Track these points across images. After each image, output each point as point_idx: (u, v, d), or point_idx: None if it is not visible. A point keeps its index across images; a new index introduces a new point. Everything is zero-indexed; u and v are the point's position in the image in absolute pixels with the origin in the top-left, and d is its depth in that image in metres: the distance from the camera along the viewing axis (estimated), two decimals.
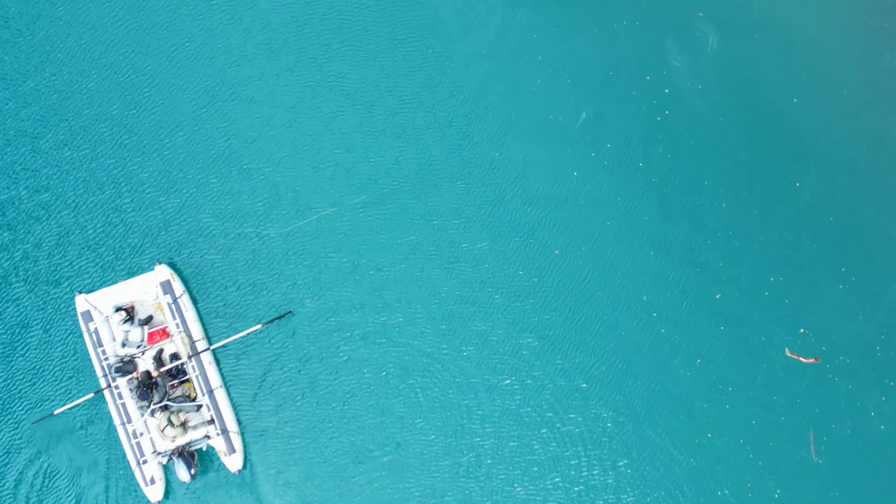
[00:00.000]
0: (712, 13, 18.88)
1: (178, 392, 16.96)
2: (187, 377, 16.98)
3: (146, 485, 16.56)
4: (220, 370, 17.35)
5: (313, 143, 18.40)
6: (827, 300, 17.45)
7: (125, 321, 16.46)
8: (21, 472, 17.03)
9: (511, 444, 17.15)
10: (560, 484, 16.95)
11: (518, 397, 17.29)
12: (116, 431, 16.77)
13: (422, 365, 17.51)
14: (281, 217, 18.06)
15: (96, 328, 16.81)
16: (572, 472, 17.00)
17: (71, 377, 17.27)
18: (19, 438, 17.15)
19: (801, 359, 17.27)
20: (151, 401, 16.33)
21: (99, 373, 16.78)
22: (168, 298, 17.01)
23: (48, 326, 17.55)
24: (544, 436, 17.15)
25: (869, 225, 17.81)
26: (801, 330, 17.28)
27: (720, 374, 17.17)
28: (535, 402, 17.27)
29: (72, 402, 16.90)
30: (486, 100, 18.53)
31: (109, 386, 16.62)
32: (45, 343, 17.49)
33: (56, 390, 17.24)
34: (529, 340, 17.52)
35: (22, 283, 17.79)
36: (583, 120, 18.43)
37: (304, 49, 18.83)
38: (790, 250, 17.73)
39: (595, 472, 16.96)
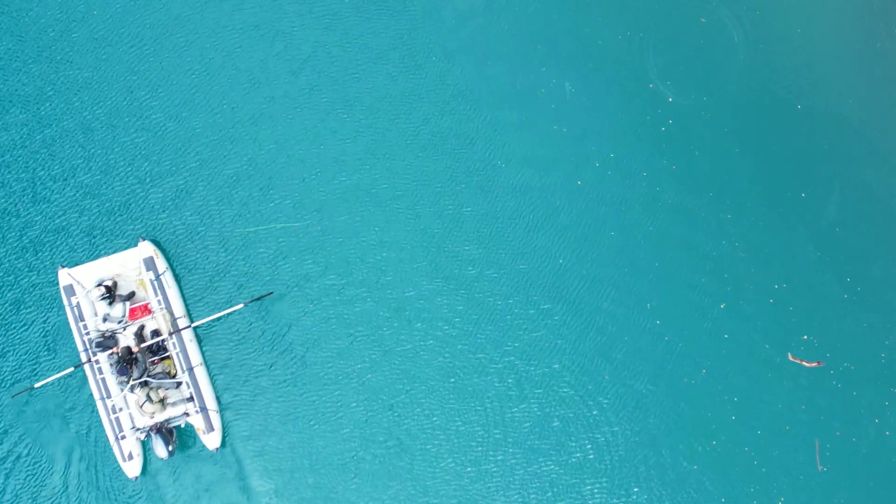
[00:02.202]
0: (714, 20, 18.87)
1: (159, 369, 16.97)
2: (168, 354, 16.98)
3: (124, 460, 16.58)
4: (200, 348, 17.37)
5: (334, 162, 18.32)
6: (831, 308, 17.47)
7: (104, 297, 16.45)
8: None
9: (519, 471, 17.04)
10: None
11: (527, 424, 17.20)
12: (96, 406, 16.80)
13: (413, 373, 17.53)
14: (303, 227, 18.07)
15: (78, 302, 16.83)
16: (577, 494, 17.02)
17: (52, 351, 17.31)
18: None
19: (803, 363, 17.24)
20: (131, 376, 16.35)
21: (80, 347, 16.79)
22: (151, 275, 17.00)
23: (30, 300, 17.60)
24: (552, 459, 17.09)
25: (873, 233, 17.82)
26: (805, 336, 17.29)
27: (725, 384, 17.15)
28: (544, 428, 17.18)
29: (52, 375, 16.91)
30: (494, 108, 18.58)
31: (90, 360, 16.63)
32: (26, 316, 17.53)
33: (36, 364, 17.28)
34: (534, 369, 17.41)
35: (5, 257, 17.83)
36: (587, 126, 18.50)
37: (324, 69, 18.74)
38: (794, 259, 17.72)
39: (598, 479, 16.97)
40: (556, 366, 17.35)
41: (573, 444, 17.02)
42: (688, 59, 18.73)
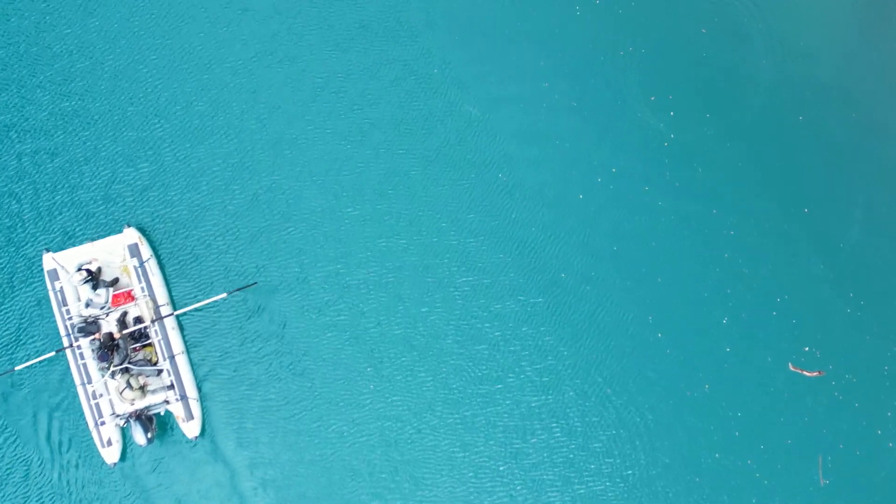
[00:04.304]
0: (715, 32, 18.84)
1: (140, 356, 16.95)
2: (150, 341, 16.97)
3: (103, 446, 16.61)
4: (182, 336, 17.36)
5: (352, 187, 18.24)
6: (833, 321, 17.45)
7: (86, 281, 16.42)
8: None
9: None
10: None
11: (533, 457, 17.14)
12: (76, 391, 16.79)
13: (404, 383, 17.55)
14: (320, 257, 17.99)
15: (62, 287, 16.83)
16: None
17: (34, 335, 17.34)
18: None
19: (804, 373, 17.21)
20: (111, 362, 16.33)
21: (62, 332, 16.80)
22: (135, 262, 16.99)
23: (14, 283, 17.60)
24: (560, 490, 17.06)
25: (879, 248, 17.80)
26: (806, 348, 17.26)
27: (728, 397, 17.14)
28: (551, 460, 17.13)
29: (33, 359, 16.91)
30: (496, 122, 18.56)
31: (72, 345, 16.62)
32: (9, 299, 17.55)
33: (18, 347, 17.30)
34: (535, 399, 17.36)
35: None
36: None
37: (341, 94, 18.66)
38: (798, 273, 17.70)
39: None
40: (570, 393, 17.30)
41: (577, 477, 17.01)
42: (689, 72, 18.66)
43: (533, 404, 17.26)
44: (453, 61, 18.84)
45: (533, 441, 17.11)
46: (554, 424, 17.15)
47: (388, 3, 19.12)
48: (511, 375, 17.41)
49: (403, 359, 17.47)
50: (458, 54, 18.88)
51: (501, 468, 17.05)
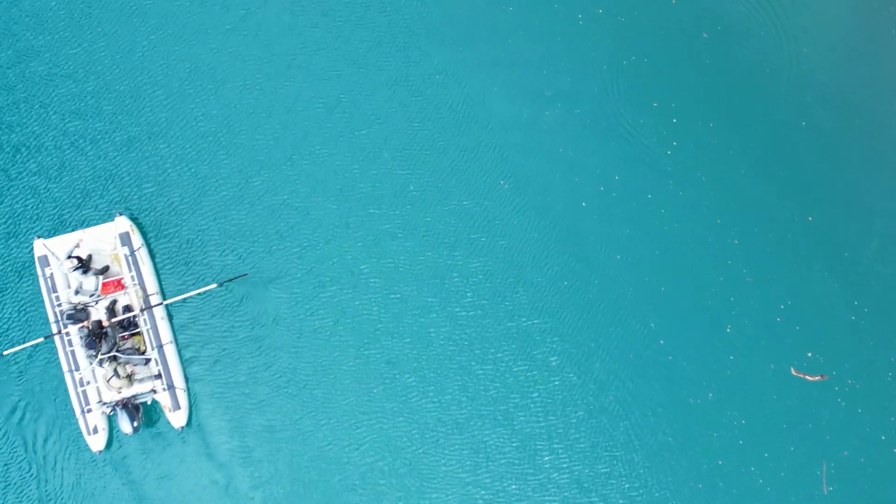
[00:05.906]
0: (717, 38, 18.78)
1: (128, 344, 16.90)
2: (138, 330, 16.92)
3: (89, 434, 16.55)
4: (171, 326, 17.28)
5: (362, 205, 18.18)
6: (837, 326, 17.27)
7: (76, 268, 16.41)
8: None
9: None
10: None
11: (539, 478, 16.92)
12: (63, 378, 16.76)
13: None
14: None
15: (52, 273, 16.83)
16: None
17: (23, 320, 17.35)
18: None
19: (806, 377, 17.07)
20: (99, 350, 16.29)
21: (51, 318, 16.78)
22: (126, 250, 16.97)
23: (3, 269, 17.66)
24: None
25: (880, 252, 17.63)
26: (809, 354, 17.08)
27: (731, 405, 16.98)
28: (556, 482, 16.90)
29: (21, 344, 16.92)
30: (502, 135, 18.50)
31: (60, 332, 16.61)
32: None
33: (6, 332, 17.31)
34: (541, 420, 17.14)
35: None
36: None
37: (354, 110, 18.64)
38: (801, 281, 17.53)
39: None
40: (579, 413, 17.08)
41: (583, 497, 16.78)
42: (692, 79, 18.51)
43: (539, 424, 17.07)
44: (460, 74, 18.79)
45: (539, 462, 16.90)
46: (559, 446, 16.96)
47: (399, 21, 19.07)
48: (517, 396, 17.22)
49: (409, 378, 17.31)
50: (464, 66, 18.84)
51: (510, 487, 16.83)
